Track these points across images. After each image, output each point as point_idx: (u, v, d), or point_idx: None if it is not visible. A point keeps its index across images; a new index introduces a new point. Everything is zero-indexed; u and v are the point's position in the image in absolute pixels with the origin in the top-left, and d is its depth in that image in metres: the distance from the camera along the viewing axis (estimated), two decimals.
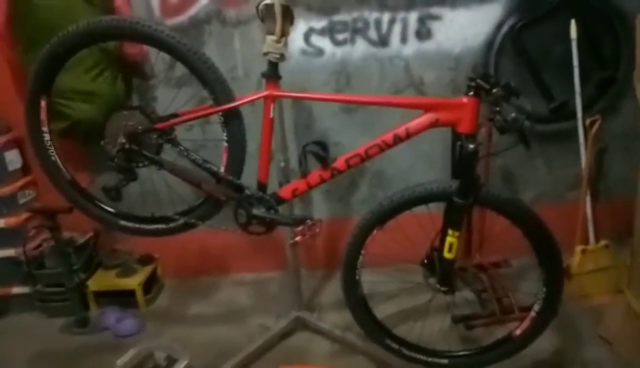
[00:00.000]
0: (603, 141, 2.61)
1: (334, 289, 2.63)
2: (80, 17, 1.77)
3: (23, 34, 2.25)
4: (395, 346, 1.93)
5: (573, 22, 2.31)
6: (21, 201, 2.63)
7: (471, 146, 1.51)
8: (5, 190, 2.53)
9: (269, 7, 1.58)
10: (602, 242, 2.45)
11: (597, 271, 2.41)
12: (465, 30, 2.42)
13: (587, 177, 2.44)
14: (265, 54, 1.63)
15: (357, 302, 1.90)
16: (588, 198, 2.48)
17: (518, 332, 1.85)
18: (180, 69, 2.31)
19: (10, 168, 2.58)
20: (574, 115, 2.41)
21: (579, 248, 2.42)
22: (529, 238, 1.69)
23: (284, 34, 1.62)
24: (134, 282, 2.63)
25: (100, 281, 2.66)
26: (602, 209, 2.62)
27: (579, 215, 2.48)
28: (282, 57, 1.65)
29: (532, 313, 1.80)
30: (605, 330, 2.13)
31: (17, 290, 2.66)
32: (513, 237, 1.70)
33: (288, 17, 1.62)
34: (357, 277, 1.85)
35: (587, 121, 2.41)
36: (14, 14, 2.22)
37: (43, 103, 1.77)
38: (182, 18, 2.44)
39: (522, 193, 2.68)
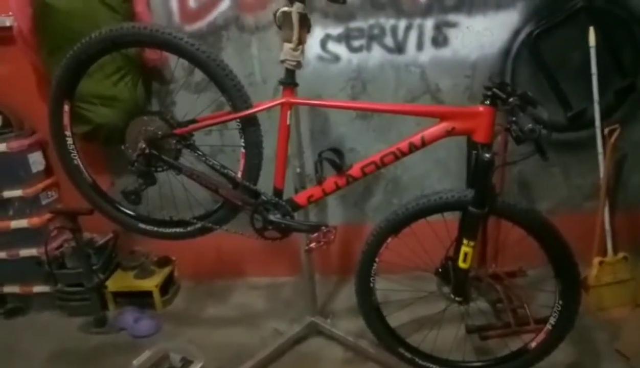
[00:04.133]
0: (622, 150, 2.56)
1: (348, 295, 2.64)
2: (102, 24, 1.81)
3: (46, 40, 2.30)
4: (408, 355, 1.93)
5: (592, 29, 2.28)
6: (44, 202, 2.70)
7: (487, 155, 1.51)
8: (29, 191, 2.59)
9: (287, 15, 1.59)
10: (621, 254, 2.40)
11: (615, 283, 2.36)
12: (481, 37, 2.41)
13: (606, 187, 2.40)
14: (282, 61, 1.65)
15: (371, 309, 1.91)
16: (606, 209, 2.43)
17: (533, 344, 1.83)
18: (199, 75, 2.35)
19: (34, 170, 2.64)
20: (592, 123, 2.37)
21: (596, 259, 2.38)
22: (545, 249, 1.67)
23: (301, 41, 1.63)
24: (151, 283, 2.67)
25: (118, 282, 2.71)
26: (620, 220, 2.57)
27: (596, 226, 2.43)
28: (299, 64, 1.66)
29: (548, 326, 1.78)
30: (623, 345, 2.09)
31: (38, 289, 2.72)
32: (529, 246, 1.69)
33: (305, 25, 1.63)
34: (371, 285, 1.86)
35: (606, 130, 2.37)
36: (38, 20, 2.27)
37: (66, 108, 1.82)
38: (201, 24, 2.47)
39: (538, 202, 2.65)
